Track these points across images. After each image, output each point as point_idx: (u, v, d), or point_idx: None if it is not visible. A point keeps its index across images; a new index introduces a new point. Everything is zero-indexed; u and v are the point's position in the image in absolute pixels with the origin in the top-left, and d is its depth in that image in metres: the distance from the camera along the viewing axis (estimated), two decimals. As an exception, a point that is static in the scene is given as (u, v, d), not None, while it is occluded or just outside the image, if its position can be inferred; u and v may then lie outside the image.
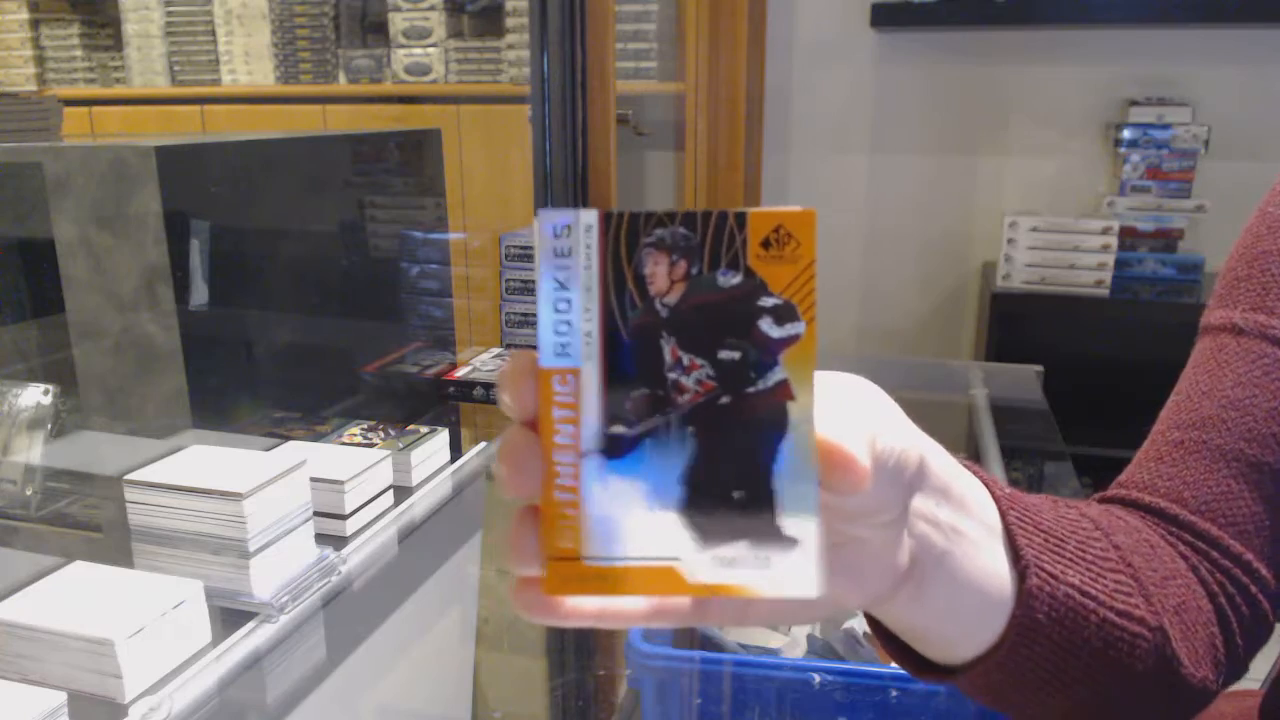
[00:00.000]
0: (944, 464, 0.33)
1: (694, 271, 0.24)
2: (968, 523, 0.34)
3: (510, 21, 2.24)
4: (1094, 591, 0.37)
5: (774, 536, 0.24)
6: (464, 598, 0.96)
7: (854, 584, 0.31)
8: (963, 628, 0.35)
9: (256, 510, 0.68)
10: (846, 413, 0.26)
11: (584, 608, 0.26)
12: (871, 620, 0.37)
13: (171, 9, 2.37)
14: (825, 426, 0.25)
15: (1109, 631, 0.38)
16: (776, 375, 0.24)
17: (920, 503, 0.31)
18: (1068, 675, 0.37)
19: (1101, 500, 0.48)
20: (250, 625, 0.69)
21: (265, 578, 0.70)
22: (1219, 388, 0.47)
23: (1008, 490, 0.37)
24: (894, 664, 0.39)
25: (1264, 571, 0.43)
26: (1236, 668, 0.43)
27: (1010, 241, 1.94)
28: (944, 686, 0.39)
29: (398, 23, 2.27)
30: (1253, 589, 0.43)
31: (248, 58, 2.34)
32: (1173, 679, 0.40)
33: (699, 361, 0.24)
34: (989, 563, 0.34)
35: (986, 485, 0.36)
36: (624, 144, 1.99)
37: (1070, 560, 0.37)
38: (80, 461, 0.82)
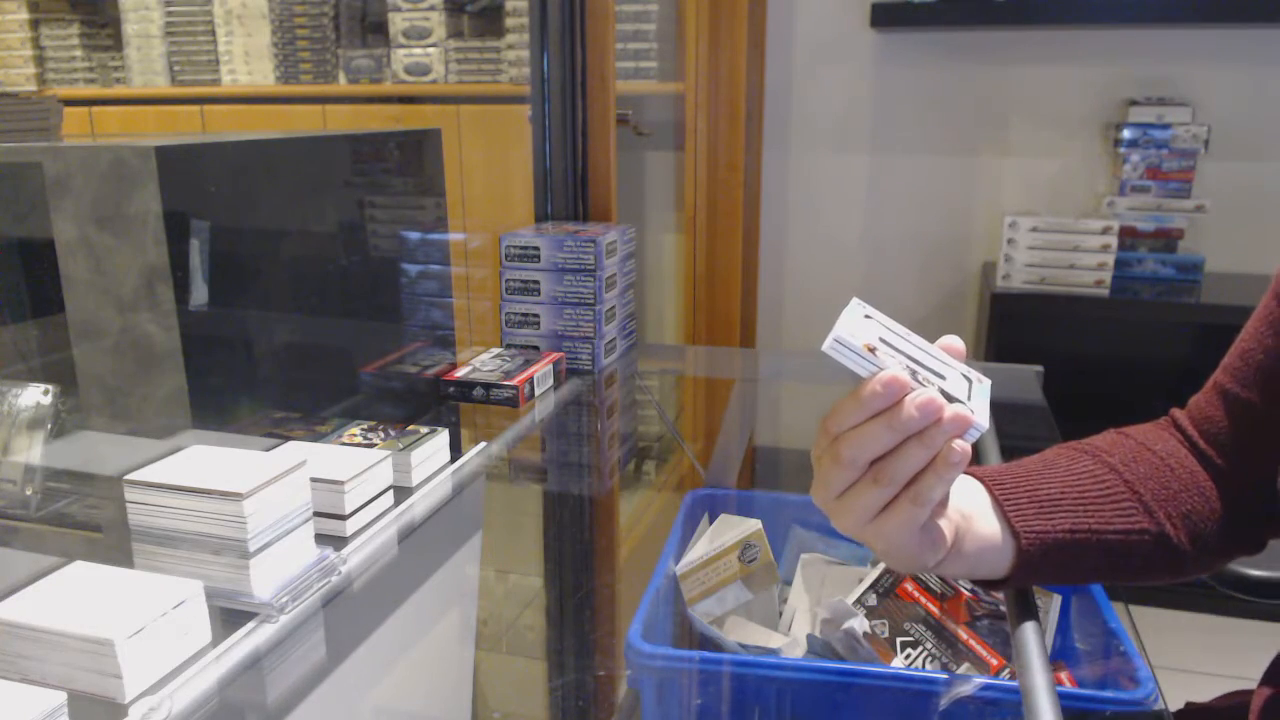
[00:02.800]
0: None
1: None
2: (973, 508, 0.59)
3: (510, 21, 2.24)
4: (1088, 525, 0.58)
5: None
6: (464, 598, 0.95)
7: (930, 549, 0.54)
8: (989, 567, 0.59)
9: (256, 510, 0.68)
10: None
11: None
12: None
13: (171, 9, 2.37)
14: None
15: (1110, 543, 0.58)
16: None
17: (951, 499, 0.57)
18: (1077, 573, 0.60)
19: (1173, 420, 0.69)
20: (250, 625, 0.69)
21: (265, 578, 0.70)
22: (1242, 339, 0.64)
23: (999, 471, 0.61)
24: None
25: (1235, 478, 0.64)
26: (1227, 542, 0.63)
27: (1010, 241, 1.94)
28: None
29: (398, 23, 2.27)
30: (1234, 493, 0.63)
31: (248, 58, 2.34)
32: (1167, 549, 0.60)
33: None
34: (990, 530, 0.58)
35: (977, 477, 0.61)
36: (624, 144, 1.99)
37: (1067, 510, 0.58)
38: (80, 461, 0.82)
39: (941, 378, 0.50)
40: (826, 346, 0.47)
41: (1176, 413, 0.68)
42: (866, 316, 0.52)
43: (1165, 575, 0.61)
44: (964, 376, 0.52)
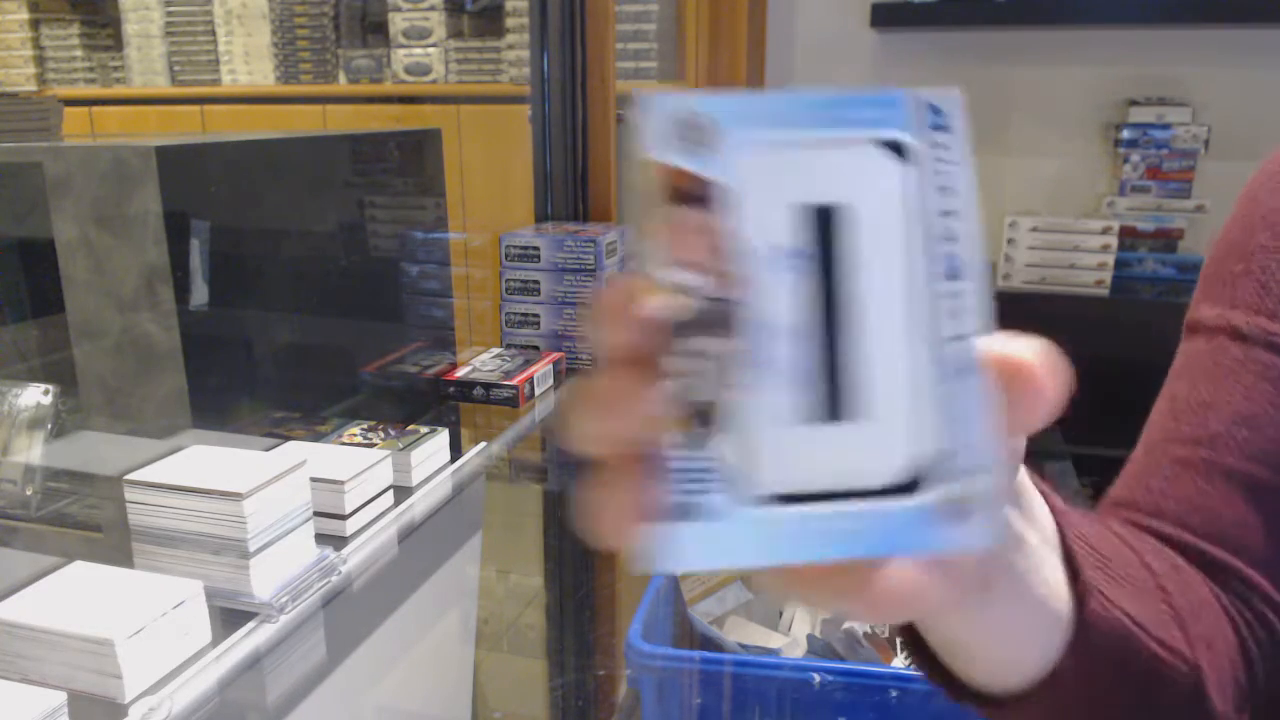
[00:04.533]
0: (1019, 460, 0.29)
1: None
2: (1031, 532, 0.30)
3: (510, 21, 2.24)
4: (1142, 620, 0.34)
5: None
6: (464, 598, 0.95)
7: (943, 580, 0.25)
8: (1019, 648, 0.32)
9: (256, 510, 0.68)
10: None
11: None
12: (910, 637, 0.34)
13: (171, 9, 2.37)
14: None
15: (1153, 666, 0.35)
16: None
17: None
18: (1111, 713, 0.35)
19: (1131, 519, 0.44)
20: (250, 625, 0.69)
21: (265, 578, 0.70)
22: (1226, 400, 0.43)
23: (1057, 499, 0.33)
24: (906, 663, 0.37)
25: None
26: (1255, 699, 0.41)
27: (1010, 241, 1.94)
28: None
29: (398, 23, 2.27)
30: (1270, 618, 0.40)
31: (248, 58, 2.34)
32: (1198, 714, 0.37)
33: None
34: (1051, 577, 0.31)
35: (1040, 490, 0.32)
36: (624, 144, 1.99)
37: (1118, 582, 0.34)
38: (80, 461, 0.81)
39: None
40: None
41: (1129, 510, 0.44)
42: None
43: None
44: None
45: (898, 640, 0.35)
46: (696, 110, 0.19)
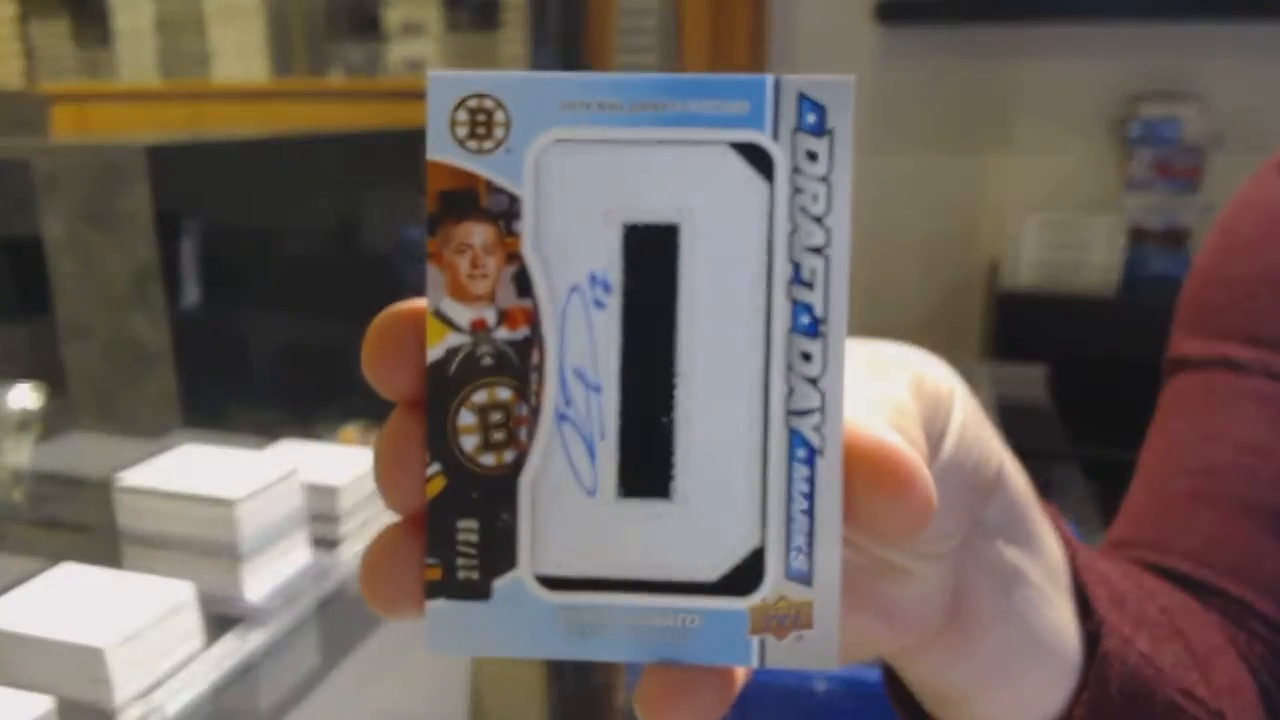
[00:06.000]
0: (1019, 484, 0.26)
1: None
2: (1034, 567, 0.26)
3: (507, 15, 2.22)
4: (1160, 664, 0.30)
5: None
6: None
7: (884, 624, 0.23)
8: (1015, 695, 0.28)
9: (249, 513, 0.67)
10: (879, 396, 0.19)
11: None
12: (889, 677, 0.30)
13: (162, 3, 2.35)
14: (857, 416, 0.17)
15: (1175, 715, 0.31)
16: None
17: (983, 534, 0.24)
18: None
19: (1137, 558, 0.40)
20: (243, 630, 0.68)
21: (258, 582, 0.69)
22: (1230, 430, 0.40)
23: (1068, 531, 0.30)
24: None
25: None
26: None
27: (1016, 239, 1.93)
28: None
29: (393, 17, 2.25)
30: None
31: (240, 52, 2.33)
32: None
33: None
34: (1054, 617, 0.27)
35: (1051, 520, 0.29)
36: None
37: (1135, 623, 0.31)
38: (69, 463, 0.81)
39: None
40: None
41: (1133, 549, 0.41)
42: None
43: None
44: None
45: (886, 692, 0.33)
46: (487, 94, 0.15)
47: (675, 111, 0.15)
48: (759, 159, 0.16)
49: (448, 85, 0.16)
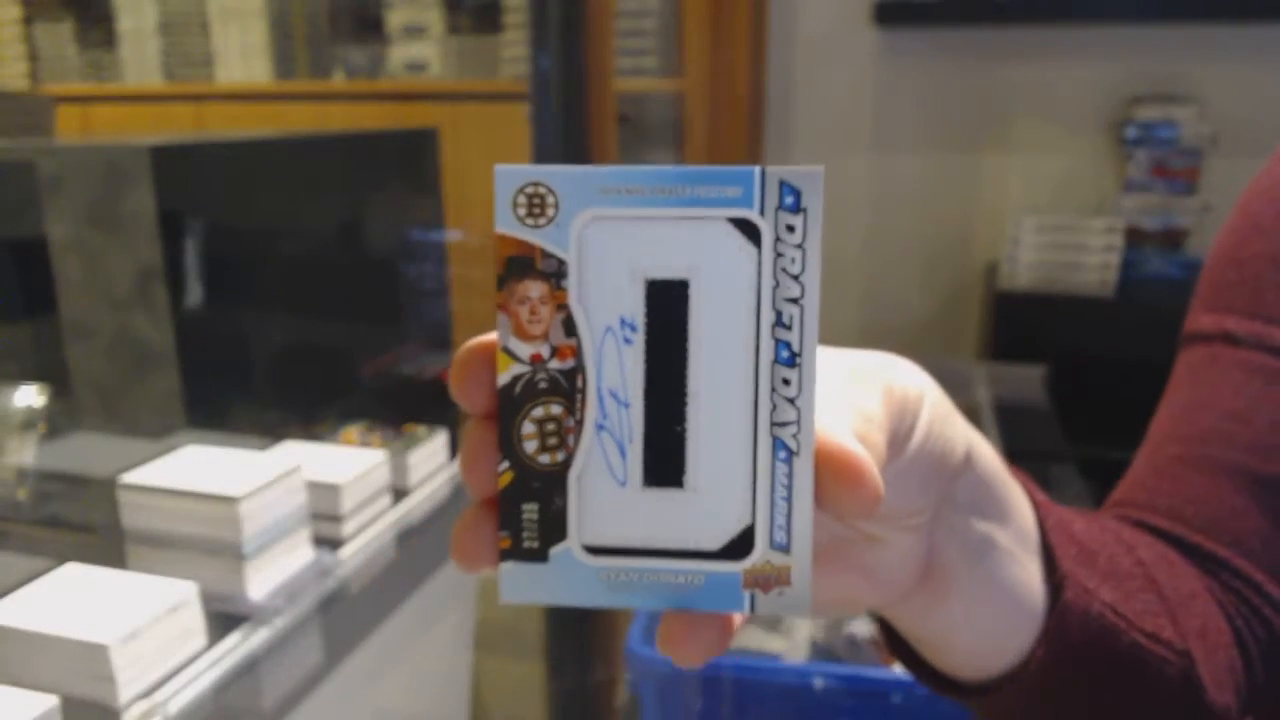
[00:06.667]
0: (988, 463, 0.30)
1: None
2: (1003, 533, 0.31)
3: (508, 18, 2.23)
4: (1125, 610, 0.35)
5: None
6: (462, 601, 0.95)
7: (865, 582, 0.29)
8: (986, 640, 0.33)
9: (252, 512, 0.68)
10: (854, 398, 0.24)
11: None
12: (883, 625, 0.36)
13: (165, 5, 2.36)
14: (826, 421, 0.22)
15: (1138, 654, 0.36)
16: None
17: (954, 509, 0.29)
18: (1094, 700, 0.36)
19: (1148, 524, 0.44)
20: (246, 628, 0.68)
21: (261, 580, 0.69)
22: (1217, 399, 0.44)
23: (1044, 496, 0.35)
24: (901, 667, 0.38)
25: (1276, 593, 0.41)
26: (1254, 695, 0.41)
27: (1014, 241, 1.94)
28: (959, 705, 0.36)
29: (395, 19, 2.26)
30: (1265, 611, 0.41)
31: (243, 54, 2.33)
32: (1196, 706, 0.38)
33: None
34: (1020, 574, 0.32)
35: (1025, 488, 0.34)
36: (624, 143, 1.98)
37: (1103, 575, 0.35)
38: (74, 463, 0.81)
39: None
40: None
41: (1125, 508, 0.44)
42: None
43: None
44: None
45: (879, 631, 0.38)
46: (540, 183, 0.20)
47: (685, 195, 0.20)
48: (750, 230, 0.20)
49: (511, 176, 0.20)
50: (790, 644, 0.85)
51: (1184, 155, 1.89)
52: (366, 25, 2.34)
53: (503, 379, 0.21)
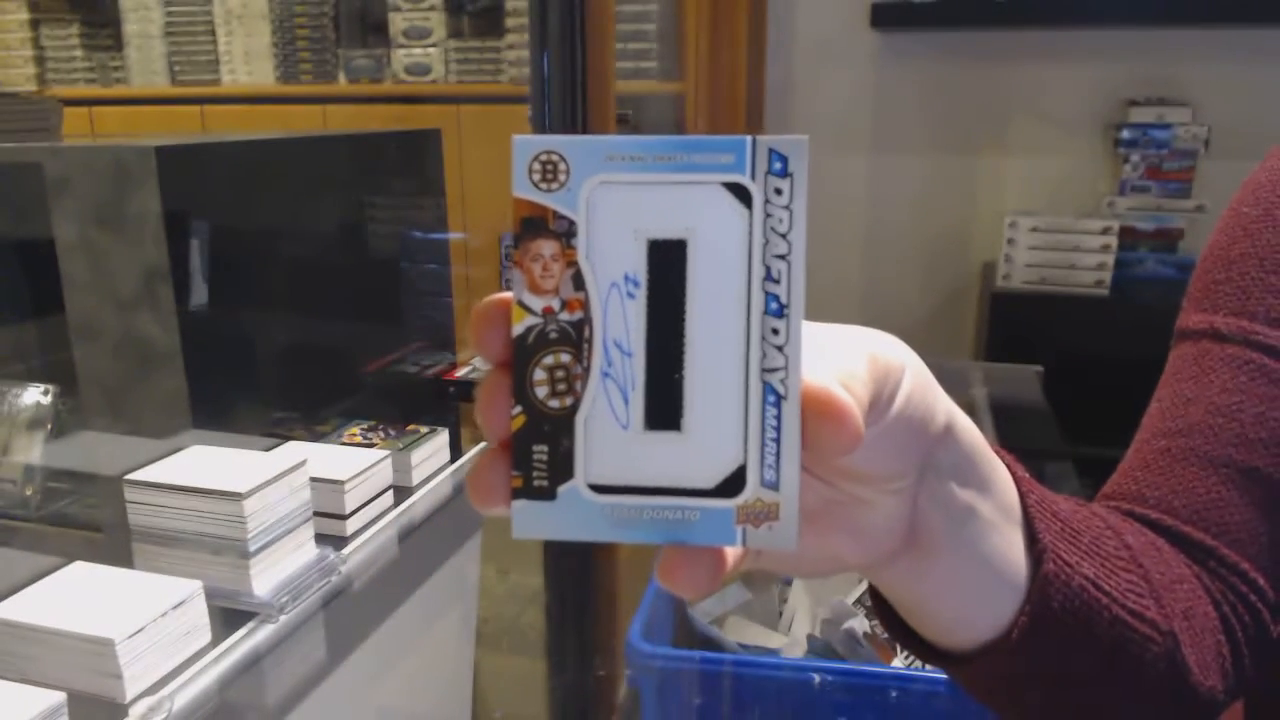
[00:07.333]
0: (969, 435, 0.31)
1: None
2: (985, 503, 0.32)
3: (510, 21, 2.24)
4: (1108, 587, 0.36)
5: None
6: (464, 598, 0.95)
7: (852, 542, 0.30)
8: (969, 607, 0.34)
9: (256, 510, 0.68)
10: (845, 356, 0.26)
11: None
12: (874, 594, 0.37)
13: (171, 9, 2.37)
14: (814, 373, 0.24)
15: (1120, 631, 0.36)
16: None
17: (936, 476, 0.30)
18: (1077, 673, 0.36)
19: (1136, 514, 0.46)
20: (250, 625, 0.69)
21: (265, 578, 0.70)
22: (1204, 394, 0.45)
23: (1027, 474, 0.36)
24: (906, 663, 0.38)
25: (1261, 581, 0.42)
26: (1242, 681, 0.42)
27: (1010, 241, 1.94)
28: (945, 684, 0.37)
29: (398, 23, 2.27)
30: (1252, 598, 0.42)
31: (248, 58, 2.34)
32: (1181, 687, 0.39)
33: None
34: (1001, 544, 0.33)
35: (1008, 466, 0.34)
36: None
37: (1085, 553, 0.36)
38: (80, 461, 0.82)
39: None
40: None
41: (1115, 500, 0.46)
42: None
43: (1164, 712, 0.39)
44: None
45: (868, 600, 0.39)
46: (553, 150, 0.22)
47: (684, 162, 0.22)
48: (742, 194, 0.22)
49: (527, 145, 0.22)
50: (789, 640, 0.85)
51: (1178, 157, 1.90)
52: (370, 29, 2.35)
53: (517, 329, 0.22)
